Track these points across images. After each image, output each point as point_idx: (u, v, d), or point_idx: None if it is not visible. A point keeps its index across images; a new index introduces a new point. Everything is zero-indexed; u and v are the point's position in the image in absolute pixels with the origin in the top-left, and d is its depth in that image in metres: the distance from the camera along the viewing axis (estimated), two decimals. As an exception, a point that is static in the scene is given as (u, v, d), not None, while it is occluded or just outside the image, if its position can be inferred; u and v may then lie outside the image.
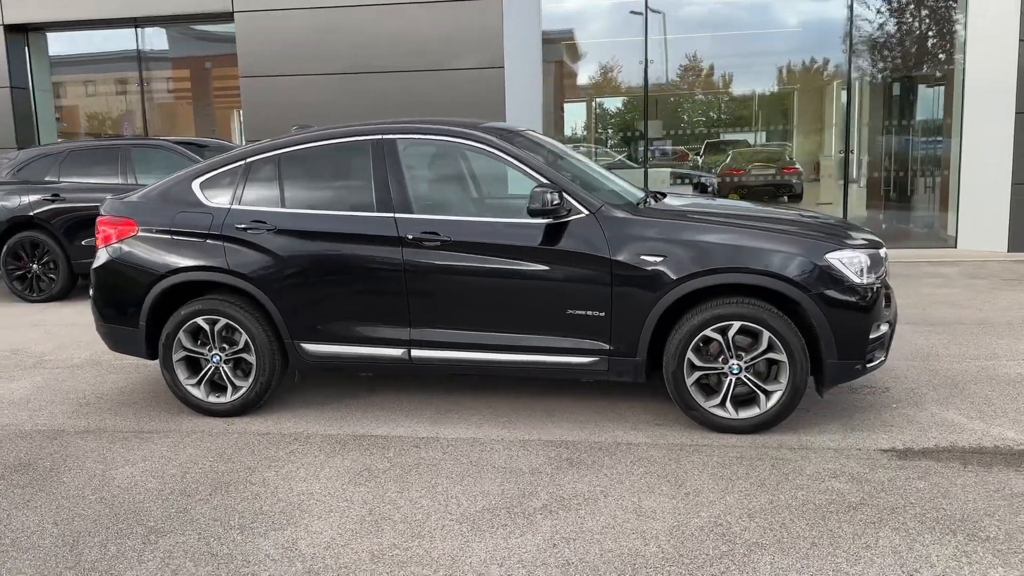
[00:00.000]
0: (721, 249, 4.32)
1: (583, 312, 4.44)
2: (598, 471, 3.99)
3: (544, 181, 4.48)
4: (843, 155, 12.01)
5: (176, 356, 4.91)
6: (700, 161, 15.16)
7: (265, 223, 4.76)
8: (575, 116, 16.71)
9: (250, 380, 4.85)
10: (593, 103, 15.22)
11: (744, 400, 4.37)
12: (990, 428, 4.37)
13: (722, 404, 4.37)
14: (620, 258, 4.36)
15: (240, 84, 11.26)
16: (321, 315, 4.75)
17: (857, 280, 4.25)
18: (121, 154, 9.01)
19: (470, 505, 3.68)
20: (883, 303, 4.39)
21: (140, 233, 4.93)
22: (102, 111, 13.32)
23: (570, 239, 4.42)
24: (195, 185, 4.97)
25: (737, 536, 3.31)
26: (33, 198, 8.96)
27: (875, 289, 4.31)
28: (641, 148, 13.35)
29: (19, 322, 8.00)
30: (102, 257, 5.03)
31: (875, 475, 3.83)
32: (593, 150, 14.41)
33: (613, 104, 16.15)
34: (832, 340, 4.24)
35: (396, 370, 4.81)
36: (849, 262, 4.27)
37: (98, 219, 5.12)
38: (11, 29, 11.87)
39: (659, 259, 4.33)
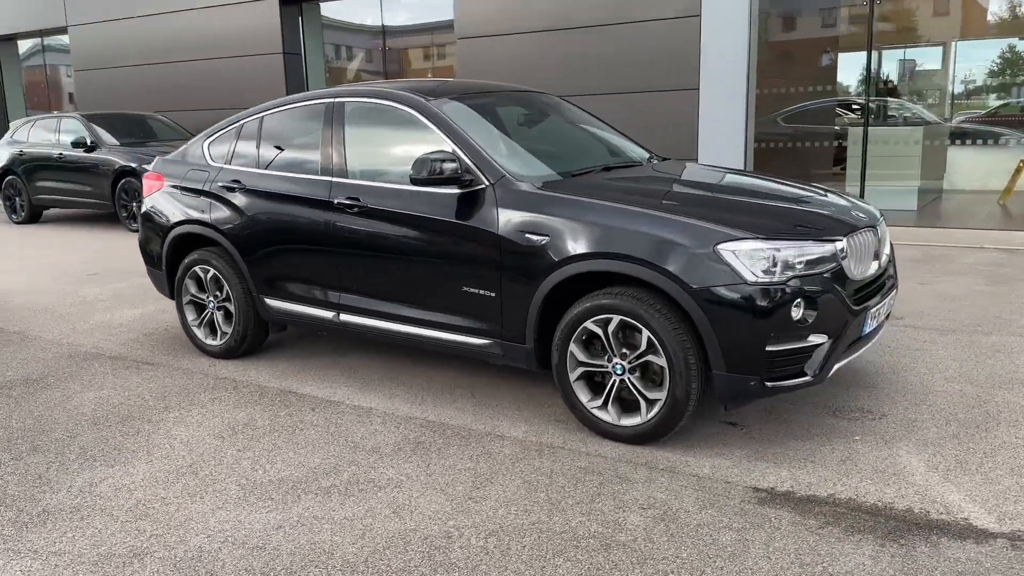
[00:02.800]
0: (601, 231, 3.76)
1: (476, 291, 4.14)
2: (427, 459, 3.76)
3: (449, 146, 4.22)
4: None
5: (185, 299, 5.46)
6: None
7: (240, 182, 5.07)
8: (848, 67, 14.97)
9: (231, 328, 5.25)
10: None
11: (632, 405, 3.81)
12: (939, 487, 3.32)
13: (604, 406, 3.84)
14: (508, 235, 3.98)
15: (457, 46, 11.71)
16: (277, 273, 4.96)
17: (752, 278, 3.45)
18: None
19: (274, 474, 3.69)
20: (802, 309, 3.49)
21: (164, 188, 5.51)
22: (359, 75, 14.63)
23: (470, 212, 4.12)
24: (205, 144, 5.42)
25: (444, 552, 2.97)
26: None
27: (783, 291, 3.45)
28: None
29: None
30: (143, 208, 5.71)
31: (694, 517, 3.15)
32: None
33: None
34: (717, 347, 3.51)
35: (333, 331, 4.89)
36: (747, 255, 3.47)
37: (144, 175, 5.81)
38: (285, 2, 13.48)
39: (542, 239, 3.89)
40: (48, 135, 12.88)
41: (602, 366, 3.82)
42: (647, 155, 5.07)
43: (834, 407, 4.16)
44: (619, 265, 3.67)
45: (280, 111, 5.10)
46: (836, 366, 3.68)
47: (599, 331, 3.77)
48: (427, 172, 4.03)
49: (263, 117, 5.17)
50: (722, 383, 3.55)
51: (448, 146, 4.23)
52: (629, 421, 3.78)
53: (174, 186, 5.44)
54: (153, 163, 5.79)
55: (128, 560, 3.03)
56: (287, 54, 13.45)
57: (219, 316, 5.31)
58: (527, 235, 3.92)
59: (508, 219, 3.98)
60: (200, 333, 5.43)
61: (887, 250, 4.18)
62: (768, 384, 3.53)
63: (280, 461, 3.81)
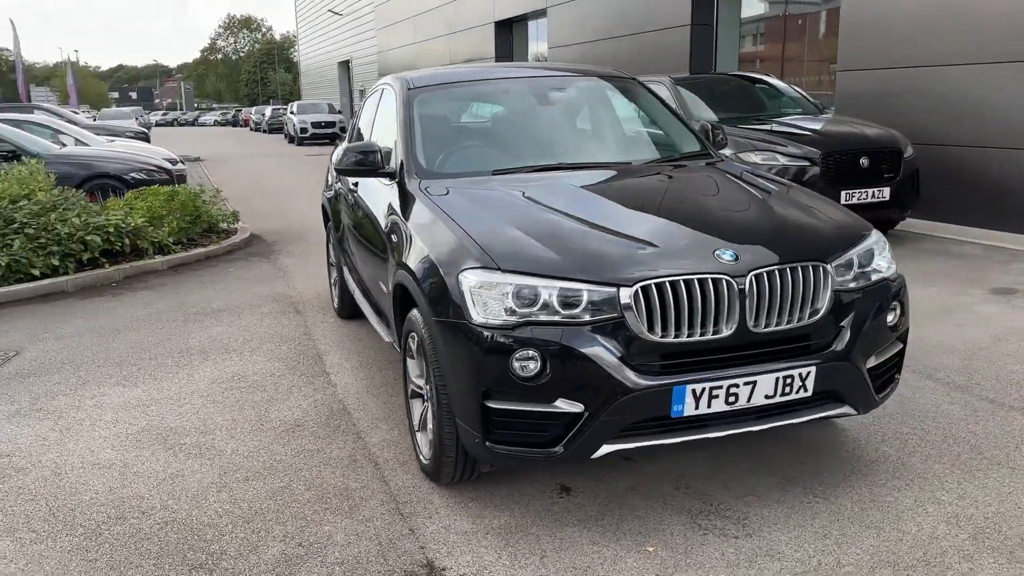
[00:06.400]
0: (410, 239, 3.41)
1: (382, 286, 4.05)
2: (274, 443, 3.87)
3: (394, 136, 4.15)
4: None
5: (330, 263, 6.21)
6: None
7: (341, 165, 5.55)
8: None
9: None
10: None
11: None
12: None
13: (420, 430, 3.51)
14: (388, 233, 3.83)
15: (842, 12, 10.23)
16: (343, 247, 5.37)
17: (476, 316, 2.82)
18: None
19: (176, 423, 4.18)
20: (534, 364, 2.73)
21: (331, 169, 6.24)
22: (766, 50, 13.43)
23: (383, 206, 4.04)
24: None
25: (115, 526, 3.17)
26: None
27: (507, 338, 2.74)
28: None
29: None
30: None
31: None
32: None
33: None
34: (452, 392, 2.97)
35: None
36: (481, 288, 2.83)
37: None
38: (704, -32, 13.13)
39: (395, 240, 3.66)
40: None
41: (421, 388, 3.48)
42: (677, 155, 4.17)
43: (710, 505, 3.10)
44: (408, 280, 3.29)
45: (367, 97, 5.40)
46: (608, 448, 2.79)
47: (413, 347, 3.43)
48: (347, 162, 4.04)
49: (365, 101, 5.53)
50: (462, 434, 2.99)
51: (395, 135, 4.15)
52: (428, 453, 3.39)
53: (336, 167, 6.14)
54: None
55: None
56: (695, 26, 13.15)
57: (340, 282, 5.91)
58: (391, 236, 3.71)
59: (392, 216, 3.80)
60: (334, 293, 6.11)
61: (820, 306, 2.89)
62: (488, 445, 2.87)
63: (197, 414, 4.27)
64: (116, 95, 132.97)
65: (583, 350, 2.71)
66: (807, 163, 7.46)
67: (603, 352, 2.72)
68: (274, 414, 4.22)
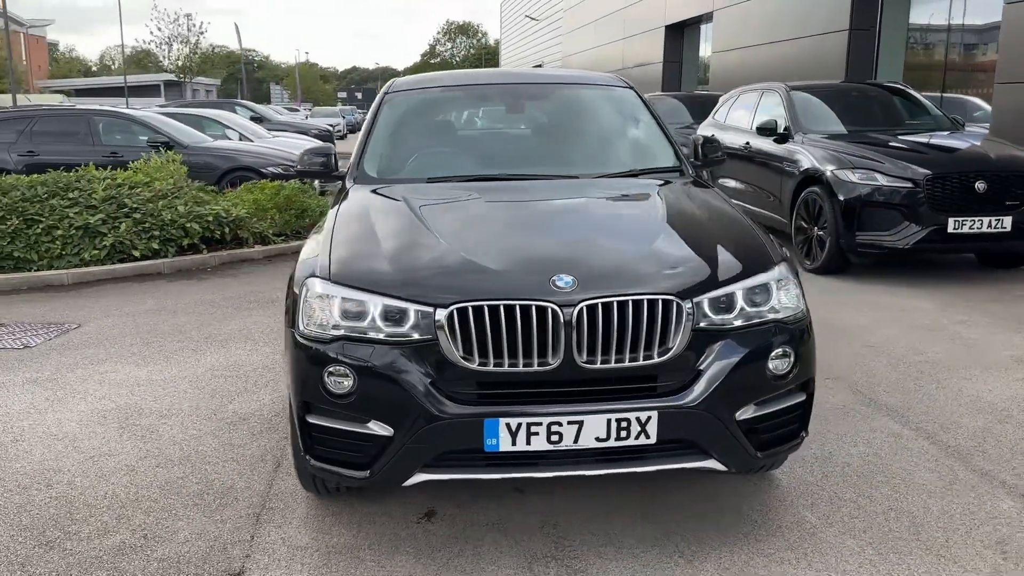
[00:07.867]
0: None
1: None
2: (218, 437, 4.00)
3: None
4: None
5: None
6: None
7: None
8: None
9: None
10: None
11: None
12: None
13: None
14: (323, 235, 3.84)
15: (1002, 15, 9.11)
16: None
17: (303, 326, 2.76)
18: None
19: (147, 405, 4.42)
20: (346, 381, 2.63)
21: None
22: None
23: (339, 209, 4.06)
24: None
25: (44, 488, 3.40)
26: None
27: (320, 352, 2.66)
28: None
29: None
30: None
31: None
32: None
33: None
34: (292, 401, 2.92)
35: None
36: (314, 298, 2.77)
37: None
38: (869, -28, 12.12)
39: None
40: (744, 113, 9.33)
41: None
42: (639, 170, 3.86)
43: (560, 551, 2.84)
44: (293, 285, 3.27)
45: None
46: (422, 477, 2.63)
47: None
48: (305, 163, 4.09)
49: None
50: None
51: (359, 144, 4.15)
52: (303, 462, 3.35)
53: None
54: None
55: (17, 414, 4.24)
56: (855, 30, 12.17)
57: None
58: (323, 239, 3.72)
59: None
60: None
61: (671, 345, 2.57)
62: (308, 459, 2.79)
63: (171, 398, 4.47)
64: (344, 95, 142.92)
65: (392, 371, 2.58)
66: (910, 185, 6.67)
67: (413, 375, 2.57)
68: (233, 406, 4.33)
